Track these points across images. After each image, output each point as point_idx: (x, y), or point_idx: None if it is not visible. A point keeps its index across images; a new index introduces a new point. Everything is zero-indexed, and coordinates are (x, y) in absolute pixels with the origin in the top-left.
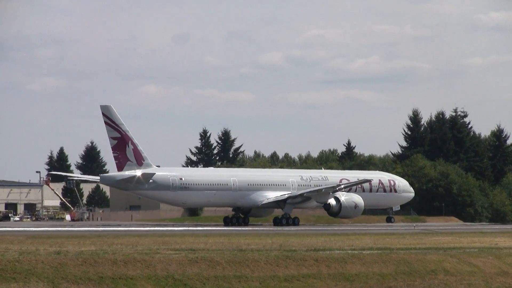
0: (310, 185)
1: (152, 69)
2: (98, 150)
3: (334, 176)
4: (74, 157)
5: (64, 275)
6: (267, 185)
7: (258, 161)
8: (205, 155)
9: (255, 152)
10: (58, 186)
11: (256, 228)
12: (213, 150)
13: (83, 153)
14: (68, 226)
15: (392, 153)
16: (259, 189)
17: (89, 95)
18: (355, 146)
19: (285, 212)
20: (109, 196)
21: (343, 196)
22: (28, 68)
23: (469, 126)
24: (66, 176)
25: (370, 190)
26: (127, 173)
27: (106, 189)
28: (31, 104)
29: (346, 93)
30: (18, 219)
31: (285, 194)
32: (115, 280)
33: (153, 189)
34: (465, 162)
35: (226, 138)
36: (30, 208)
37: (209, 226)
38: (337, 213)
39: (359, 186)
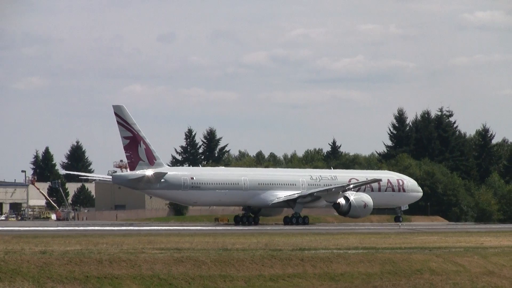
0: (319, 185)
1: (137, 69)
2: (83, 149)
3: (343, 175)
4: (59, 157)
5: (50, 275)
6: (277, 184)
7: (243, 160)
8: (190, 154)
9: (240, 151)
10: (44, 186)
11: (242, 228)
12: (199, 149)
13: (68, 153)
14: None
15: (377, 153)
16: (269, 189)
17: (74, 94)
18: (340, 145)
19: (295, 212)
20: (94, 196)
21: (352, 196)
22: (13, 67)
23: (455, 125)
24: (79, 175)
25: (379, 190)
26: (139, 172)
27: (91, 188)
28: (16, 103)
29: (331, 93)
30: (3, 218)
31: (295, 194)
32: (101, 280)
33: (165, 189)
34: (450, 162)
35: (211, 138)
36: (16, 207)
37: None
38: (347, 212)
39: (368, 185)
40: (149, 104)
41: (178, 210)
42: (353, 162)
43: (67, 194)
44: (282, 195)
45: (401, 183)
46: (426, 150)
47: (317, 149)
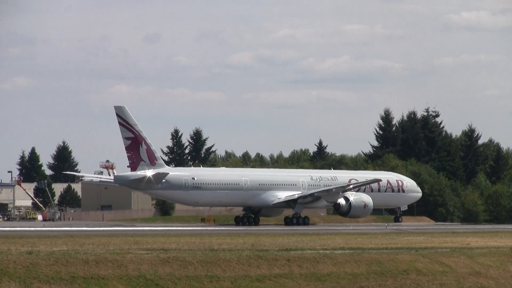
0: (319, 185)
1: (123, 69)
2: (69, 150)
3: (343, 176)
4: (45, 157)
5: (36, 275)
6: (278, 185)
7: (229, 160)
8: (176, 154)
9: (227, 152)
10: (30, 186)
11: (228, 228)
12: (185, 149)
13: (54, 153)
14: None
15: (363, 153)
16: (270, 189)
17: (60, 94)
18: (326, 146)
19: (295, 212)
20: (80, 196)
21: (352, 196)
22: None
23: (441, 125)
24: (78, 176)
25: (379, 190)
26: (141, 173)
27: (77, 189)
28: (2, 103)
29: (317, 93)
30: None
31: (295, 194)
32: (87, 280)
33: (166, 189)
34: (436, 162)
35: (197, 138)
36: (2, 208)
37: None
38: (347, 212)
39: (368, 186)
40: (135, 104)
41: (164, 211)
42: (339, 163)
43: (53, 194)
44: (283, 195)
45: (400, 183)
46: (413, 151)
47: (303, 149)
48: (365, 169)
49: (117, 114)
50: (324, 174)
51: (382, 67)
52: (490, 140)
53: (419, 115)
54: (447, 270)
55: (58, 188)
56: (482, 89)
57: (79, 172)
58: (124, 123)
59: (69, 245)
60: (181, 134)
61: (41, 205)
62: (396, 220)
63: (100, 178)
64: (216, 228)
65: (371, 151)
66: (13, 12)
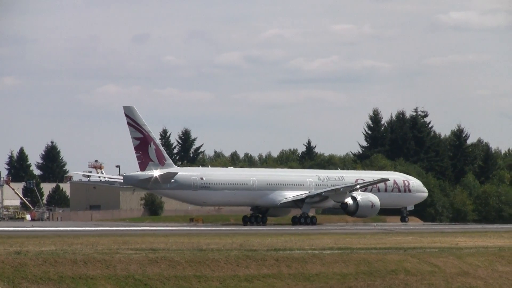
0: (327, 185)
1: (112, 69)
2: (58, 150)
3: (350, 176)
4: (34, 157)
5: (24, 275)
6: (285, 185)
7: (218, 161)
8: None
9: (215, 152)
10: (19, 186)
11: (216, 228)
12: (173, 149)
13: (43, 153)
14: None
15: (352, 153)
16: (277, 189)
17: (49, 94)
18: (315, 146)
19: (303, 212)
20: (69, 196)
21: (359, 196)
22: None
23: (430, 125)
24: (88, 175)
25: (385, 190)
26: (149, 172)
27: (66, 188)
28: None
29: (306, 93)
30: None
31: (303, 194)
32: (75, 280)
33: (175, 189)
34: (425, 162)
35: (186, 138)
36: None
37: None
38: (354, 212)
39: (375, 186)
40: (123, 104)
41: (153, 210)
42: (328, 163)
43: (42, 194)
44: (290, 195)
45: (407, 183)
46: (401, 151)
47: (292, 149)
48: (354, 168)
49: (126, 115)
50: (331, 174)
51: (371, 67)
52: (479, 140)
53: (407, 115)
54: (435, 270)
55: (47, 188)
56: (471, 89)
57: (67, 172)
58: (133, 123)
59: (58, 245)
60: (170, 134)
61: (30, 205)
62: (403, 220)
63: (110, 178)
64: (205, 228)
65: (360, 151)
66: (2, 11)
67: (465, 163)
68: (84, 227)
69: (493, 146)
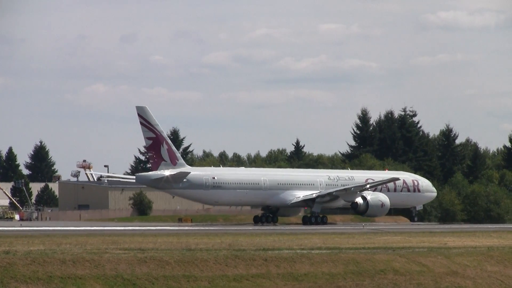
0: (337, 185)
1: (100, 68)
2: (47, 149)
3: (359, 176)
4: (23, 157)
5: (13, 275)
6: (296, 184)
7: (207, 160)
8: None
9: (204, 151)
10: (7, 186)
11: (205, 228)
12: None
13: (32, 153)
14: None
15: (341, 153)
16: (288, 188)
17: (37, 94)
18: (304, 146)
19: (313, 211)
20: (58, 196)
21: (369, 195)
22: None
23: (418, 125)
24: (101, 175)
25: (395, 190)
26: (162, 172)
27: (55, 188)
28: None
29: (295, 93)
30: None
31: (314, 193)
32: (64, 280)
33: (187, 188)
34: (414, 162)
35: (174, 138)
36: None
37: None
38: (364, 211)
39: (384, 185)
40: (112, 104)
41: (141, 210)
42: (316, 162)
43: (30, 194)
44: (301, 195)
45: (416, 183)
46: (390, 150)
47: (280, 149)
48: (342, 168)
49: (138, 115)
50: (341, 174)
51: (359, 66)
52: (468, 140)
53: (396, 115)
54: (424, 270)
55: (35, 187)
56: (460, 89)
57: (56, 172)
58: (146, 123)
59: (46, 245)
60: None
61: (19, 205)
62: (412, 219)
63: (123, 177)
64: (193, 228)
65: (349, 150)
66: None
67: (454, 162)
68: (73, 226)
69: (482, 145)
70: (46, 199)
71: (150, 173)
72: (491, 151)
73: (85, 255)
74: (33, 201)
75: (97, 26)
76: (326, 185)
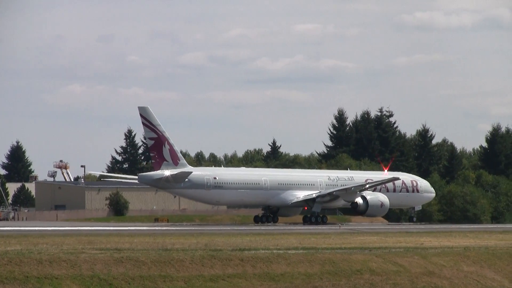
0: (337, 185)
1: (77, 68)
2: (23, 149)
3: (359, 176)
4: None
5: None
6: (296, 184)
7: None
8: (130, 154)
9: (181, 151)
10: None
11: (181, 228)
12: (138, 149)
13: (8, 153)
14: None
15: (317, 153)
16: (289, 189)
17: (14, 94)
18: (280, 146)
19: (314, 211)
20: (34, 196)
21: (369, 195)
22: None
23: (395, 125)
24: (101, 175)
25: (394, 190)
26: (163, 172)
27: (31, 188)
28: None
29: (271, 93)
30: None
31: (314, 193)
32: (41, 280)
33: (188, 188)
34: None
35: None
36: None
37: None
38: (364, 211)
39: (383, 186)
40: (88, 104)
41: (118, 210)
42: (293, 163)
43: (7, 194)
44: (301, 195)
45: (415, 184)
46: (366, 151)
47: (257, 149)
48: (319, 168)
49: (140, 115)
50: (341, 174)
51: (335, 66)
52: (444, 140)
53: (372, 115)
54: (400, 270)
55: (12, 187)
56: (436, 89)
57: (32, 172)
58: (148, 123)
59: (23, 245)
60: (135, 134)
61: None
62: (411, 220)
63: (124, 178)
64: (169, 228)
65: (325, 151)
66: None
67: (430, 163)
68: (50, 226)
69: (458, 146)
70: (23, 199)
71: (152, 173)
72: (467, 151)
73: (62, 255)
74: (9, 201)
75: (74, 26)
76: (326, 185)
